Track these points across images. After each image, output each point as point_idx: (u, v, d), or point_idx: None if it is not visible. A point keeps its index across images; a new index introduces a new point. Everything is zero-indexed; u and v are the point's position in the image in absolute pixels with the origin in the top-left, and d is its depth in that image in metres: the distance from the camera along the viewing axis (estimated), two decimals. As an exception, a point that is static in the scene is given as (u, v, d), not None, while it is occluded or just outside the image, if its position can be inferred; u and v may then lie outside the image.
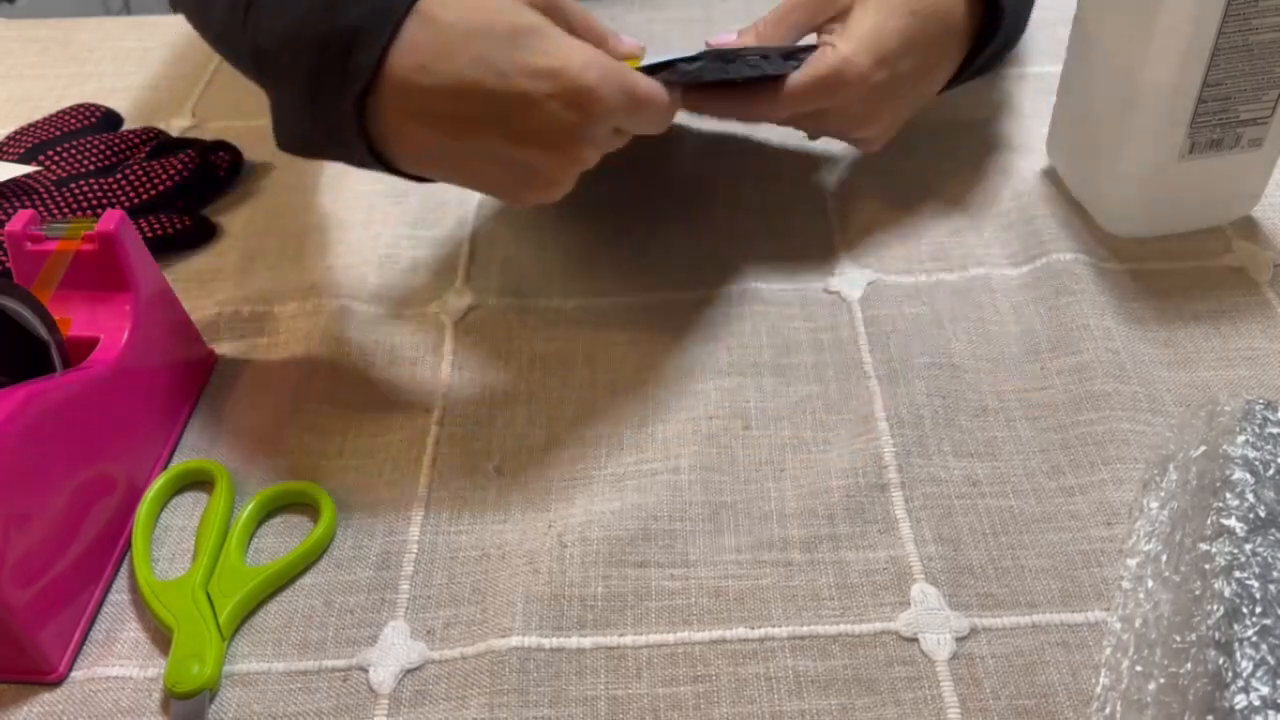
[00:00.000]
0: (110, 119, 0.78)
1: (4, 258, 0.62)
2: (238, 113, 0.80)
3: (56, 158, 0.71)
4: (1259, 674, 0.39)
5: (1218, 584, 0.42)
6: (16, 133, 0.74)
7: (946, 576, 0.48)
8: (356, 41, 0.43)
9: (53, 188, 0.67)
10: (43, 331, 0.48)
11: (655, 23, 0.86)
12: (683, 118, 0.59)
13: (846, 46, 0.53)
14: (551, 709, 0.45)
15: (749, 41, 0.57)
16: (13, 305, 0.47)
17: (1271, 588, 0.42)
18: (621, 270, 0.64)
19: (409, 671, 0.46)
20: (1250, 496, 0.45)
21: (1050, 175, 0.68)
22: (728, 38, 0.57)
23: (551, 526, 0.51)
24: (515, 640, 0.47)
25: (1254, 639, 0.40)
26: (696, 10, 0.87)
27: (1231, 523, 0.44)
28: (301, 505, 0.53)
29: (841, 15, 0.56)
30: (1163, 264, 0.63)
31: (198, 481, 0.54)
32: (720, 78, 0.51)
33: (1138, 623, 0.44)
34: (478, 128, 0.44)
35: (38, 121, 0.75)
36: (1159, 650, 0.42)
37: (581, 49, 0.44)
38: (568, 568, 0.49)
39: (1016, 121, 0.73)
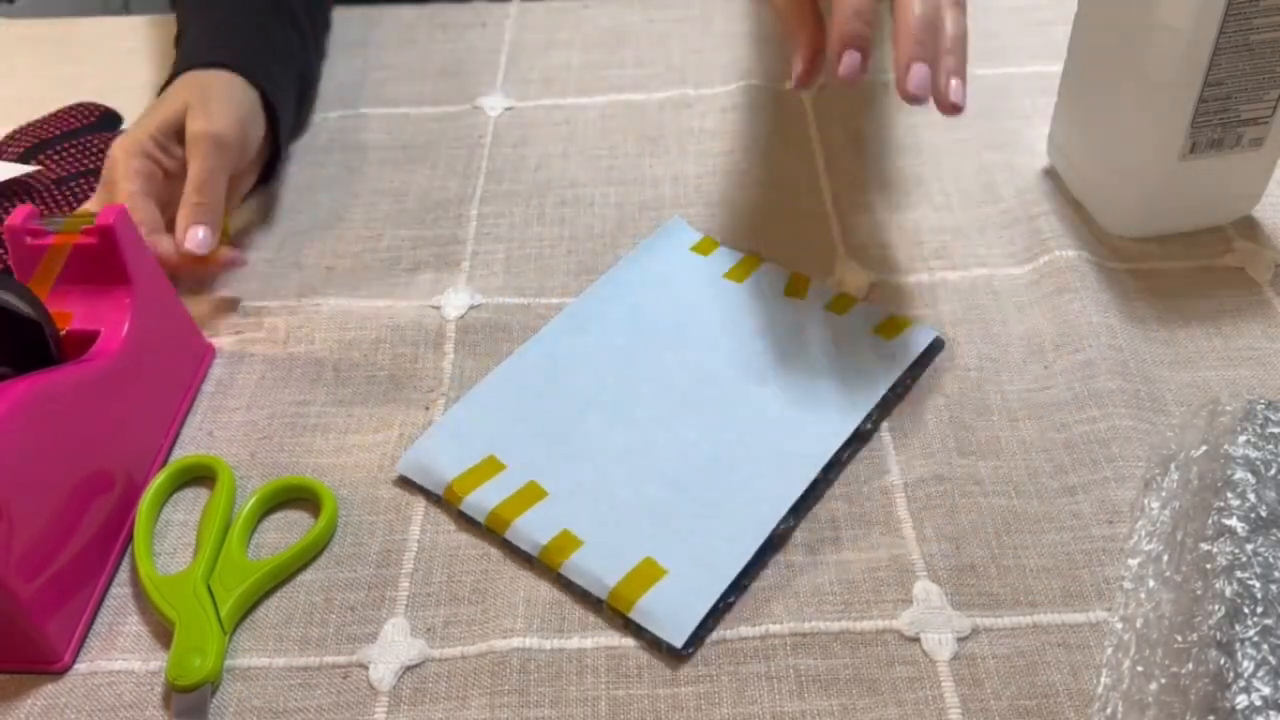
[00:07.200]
0: (110, 118, 0.77)
1: (4, 254, 0.62)
2: (238, 111, 0.80)
3: (56, 157, 0.71)
4: (1260, 674, 0.39)
5: (1219, 584, 0.42)
6: (16, 132, 0.74)
7: (948, 575, 0.48)
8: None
9: (52, 186, 0.67)
10: (36, 316, 0.48)
11: (656, 23, 0.86)
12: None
13: None
14: (552, 709, 0.45)
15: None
16: (11, 299, 0.47)
17: (1273, 587, 0.42)
18: (622, 269, 0.64)
19: (409, 669, 0.46)
20: (1251, 496, 0.45)
21: (1051, 175, 0.68)
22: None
23: (552, 525, 0.51)
24: (517, 641, 0.47)
25: (1255, 639, 0.40)
26: (696, 9, 0.87)
27: (1233, 522, 0.44)
28: (302, 500, 0.53)
29: None
30: (1164, 263, 0.63)
31: (199, 476, 0.54)
32: None
33: (1139, 623, 0.44)
34: None
35: (37, 121, 0.75)
36: (1160, 650, 0.42)
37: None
38: (568, 566, 0.49)
39: (1017, 121, 0.73)
